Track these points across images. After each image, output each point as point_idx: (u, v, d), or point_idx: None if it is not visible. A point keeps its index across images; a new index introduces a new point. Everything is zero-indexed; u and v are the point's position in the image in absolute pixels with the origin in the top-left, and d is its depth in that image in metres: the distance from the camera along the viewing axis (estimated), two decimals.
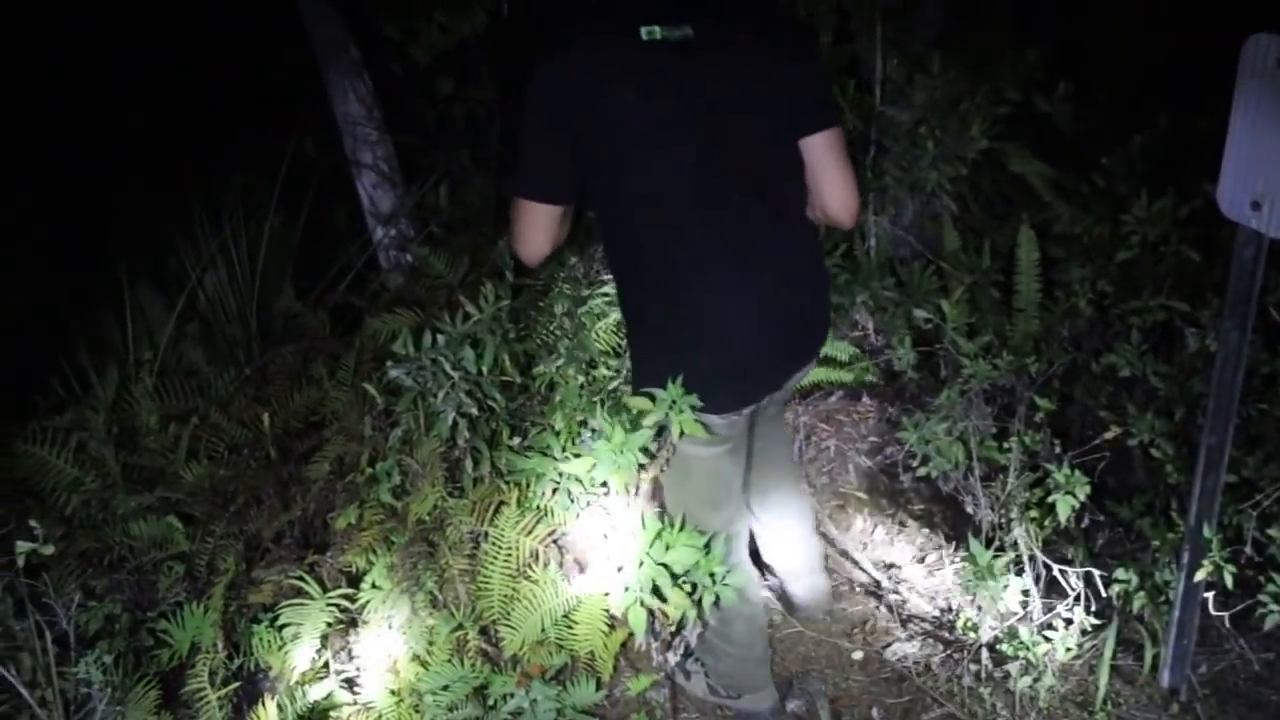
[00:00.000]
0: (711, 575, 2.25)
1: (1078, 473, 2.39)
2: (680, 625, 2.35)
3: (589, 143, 1.88)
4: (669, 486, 2.36)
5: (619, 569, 2.30)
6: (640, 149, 1.88)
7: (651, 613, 2.34)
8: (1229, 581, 2.32)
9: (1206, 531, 2.26)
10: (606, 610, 2.60)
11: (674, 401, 2.03)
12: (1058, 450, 2.48)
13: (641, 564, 2.25)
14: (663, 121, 1.87)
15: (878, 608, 2.84)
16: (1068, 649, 2.49)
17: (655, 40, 1.82)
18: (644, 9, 1.83)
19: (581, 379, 2.75)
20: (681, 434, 2.06)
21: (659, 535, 2.30)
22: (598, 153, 1.89)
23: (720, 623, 2.40)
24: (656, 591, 2.28)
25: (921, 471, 2.49)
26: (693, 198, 1.92)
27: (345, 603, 2.72)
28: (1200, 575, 2.29)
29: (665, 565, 2.25)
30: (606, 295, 2.82)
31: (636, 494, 2.55)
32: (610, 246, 2.10)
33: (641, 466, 2.23)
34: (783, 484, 2.64)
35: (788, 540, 2.71)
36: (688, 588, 2.27)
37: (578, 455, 2.60)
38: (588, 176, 1.93)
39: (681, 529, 2.31)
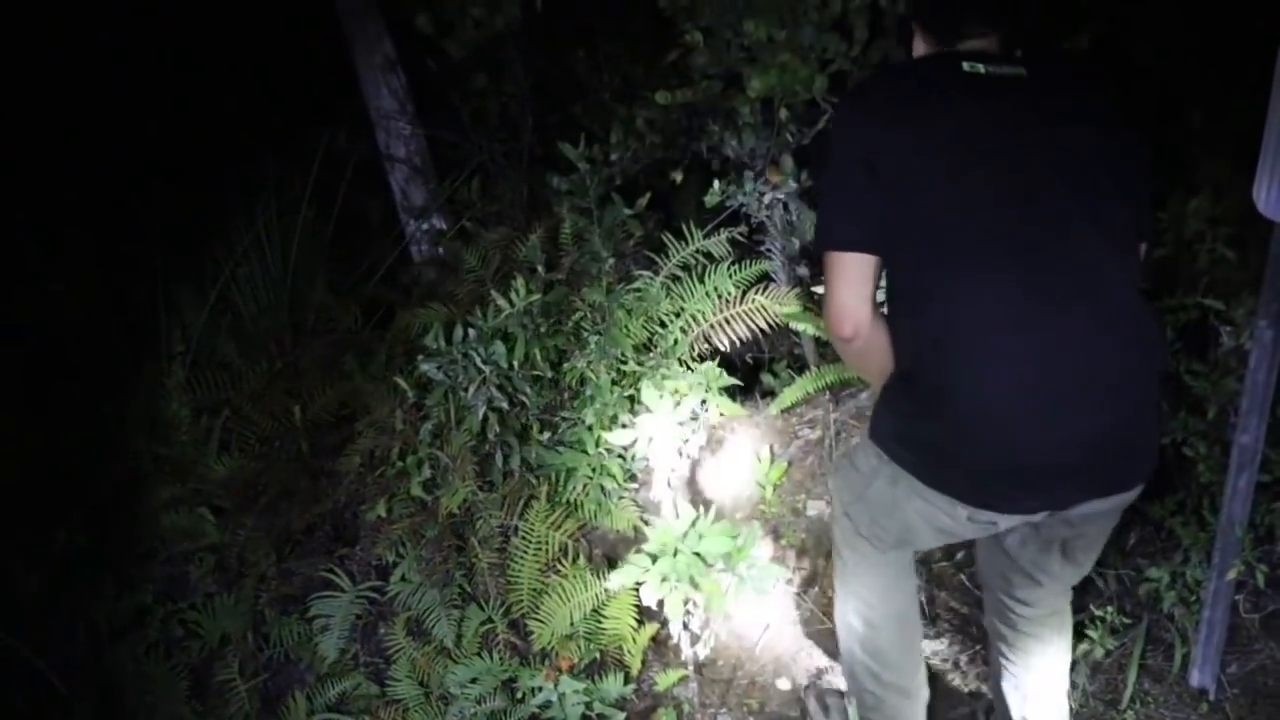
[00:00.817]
0: (743, 563, 2.26)
1: None
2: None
3: (889, 177, 1.63)
4: (848, 560, 2.02)
5: (653, 558, 2.30)
6: (943, 185, 1.62)
7: (683, 603, 2.35)
8: (1260, 581, 2.32)
9: (1238, 531, 2.25)
10: (636, 605, 2.61)
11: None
12: None
13: (677, 553, 2.25)
14: (975, 156, 1.62)
15: None
16: (1096, 647, 2.49)
17: (978, 73, 1.64)
18: (971, 53, 1.67)
19: (611, 375, 2.77)
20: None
21: (692, 523, 2.31)
22: (896, 188, 1.63)
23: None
24: (690, 579, 2.29)
25: None
26: (996, 255, 1.60)
27: (375, 595, 2.74)
28: (1231, 575, 2.29)
29: (699, 554, 2.26)
30: (638, 291, 2.84)
31: (670, 485, 2.57)
32: (892, 289, 1.73)
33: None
34: (1050, 698, 2.22)
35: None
36: (719, 576, 2.29)
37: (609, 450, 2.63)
38: (889, 217, 1.65)
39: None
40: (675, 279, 2.94)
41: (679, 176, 3.10)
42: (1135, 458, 1.70)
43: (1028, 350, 1.57)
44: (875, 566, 2.02)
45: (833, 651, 2.72)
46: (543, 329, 2.72)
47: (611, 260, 2.73)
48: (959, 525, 1.74)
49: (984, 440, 1.61)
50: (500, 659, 2.60)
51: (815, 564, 2.94)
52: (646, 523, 2.64)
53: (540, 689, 2.51)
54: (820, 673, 2.67)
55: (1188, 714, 2.43)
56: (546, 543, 2.66)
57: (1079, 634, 2.52)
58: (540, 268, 2.78)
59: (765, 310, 2.88)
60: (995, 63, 1.66)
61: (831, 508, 2.09)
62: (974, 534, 1.80)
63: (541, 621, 2.60)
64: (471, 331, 2.67)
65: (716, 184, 2.91)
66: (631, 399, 2.76)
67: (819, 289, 2.85)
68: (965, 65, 1.65)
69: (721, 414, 2.83)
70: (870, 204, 1.64)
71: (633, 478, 2.76)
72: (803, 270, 3.03)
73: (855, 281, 1.67)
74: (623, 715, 2.54)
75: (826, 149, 1.74)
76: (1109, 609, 2.50)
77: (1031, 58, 1.70)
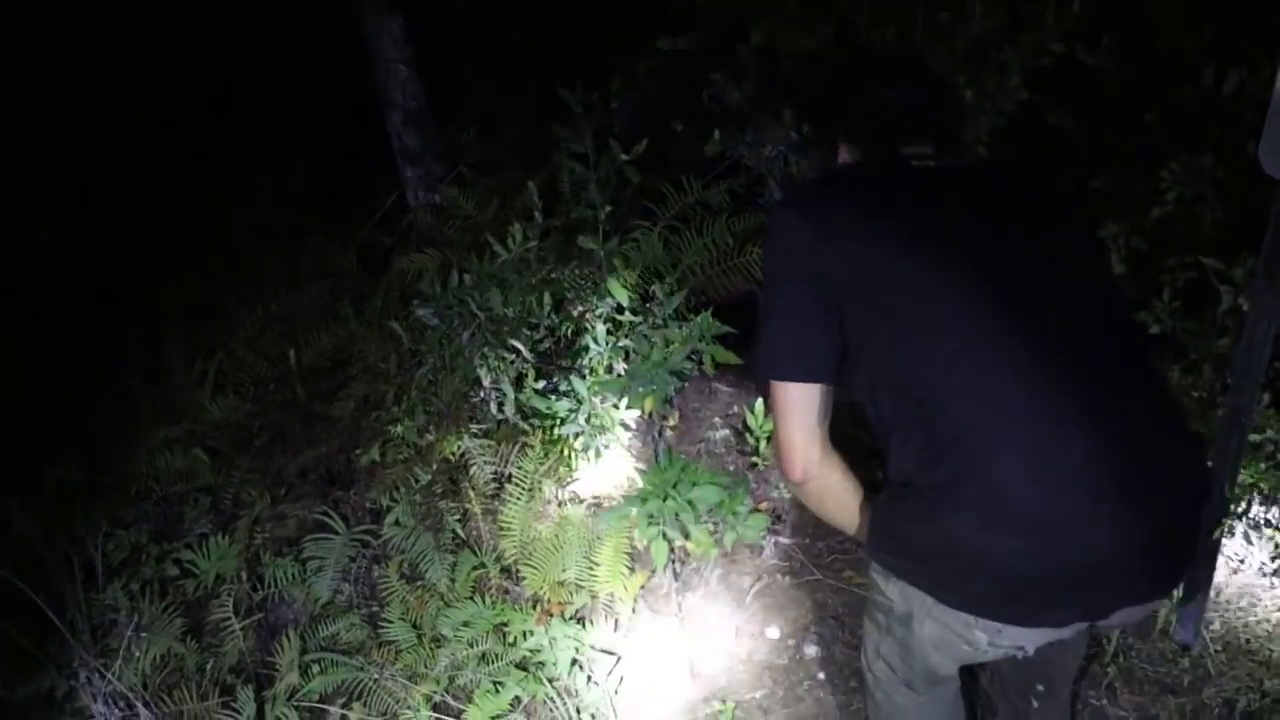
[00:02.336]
0: (734, 514, 2.27)
1: None
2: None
3: (853, 289, 1.47)
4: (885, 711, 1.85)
5: (643, 502, 2.31)
6: (926, 284, 1.45)
7: (673, 551, 2.36)
8: (1246, 539, 2.34)
9: (1226, 491, 2.26)
10: (627, 553, 2.63)
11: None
12: None
13: (666, 498, 2.26)
14: (953, 252, 1.47)
15: None
16: None
17: (927, 167, 1.56)
18: (903, 133, 1.59)
19: (607, 325, 2.76)
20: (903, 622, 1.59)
21: (684, 471, 2.32)
22: (860, 299, 1.47)
23: None
24: (680, 528, 2.29)
25: None
26: (1007, 354, 1.42)
27: (369, 539, 2.76)
28: (1216, 534, 2.31)
29: (690, 502, 2.26)
30: (635, 241, 2.82)
31: (661, 434, 2.57)
32: (882, 393, 1.49)
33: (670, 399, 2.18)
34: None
35: None
36: (710, 525, 2.30)
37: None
38: (849, 332, 1.49)
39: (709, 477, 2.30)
40: (673, 230, 2.92)
41: (679, 126, 3.07)
42: (1177, 560, 1.48)
43: (1057, 451, 1.38)
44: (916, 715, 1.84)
45: (825, 604, 2.75)
46: (539, 276, 2.71)
47: (609, 209, 2.70)
48: (978, 653, 1.52)
49: (1014, 545, 1.38)
50: (492, 603, 2.62)
51: (805, 514, 2.96)
52: (639, 471, 2.65)
53: (531, 633, 2.54)
54: (808, 625, 2.70)
55: (1169, 669, 2.46)
56: (539, 489, 2.67)
57: None
58: (537, 215, 2.76)
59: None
60: (939, 160, 1.59)
61: (863, 654, 1.87)
62: (995, 658, 1.57)
63: (533, 567, 2.62)
64: (467, 277, 2.65)
65: (717, 134, 2.88)
66: (626, 349, 2.76)
67: None
68: (914, 161, 1.56)
69: (716, 363, 2.83)
70: (820, 328, 1.49)
71: (626, 427, 2.76)
72: None
73: (802, 416, 1.53)
74: (612, 660, 2.57)
75: (767, 265, 1.57)
76: None
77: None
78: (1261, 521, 2.47)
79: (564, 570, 2.61)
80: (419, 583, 2.69)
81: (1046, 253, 1.51)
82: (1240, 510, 2.42)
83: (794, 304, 1.51)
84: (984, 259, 1.47)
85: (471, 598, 2.63)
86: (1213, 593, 2.44)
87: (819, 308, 1.48)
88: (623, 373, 2.68)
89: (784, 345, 1.52)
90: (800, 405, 1.52)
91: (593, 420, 2.69)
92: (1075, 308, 1.48)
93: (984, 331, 1.43)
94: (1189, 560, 1.49)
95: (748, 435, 3.07)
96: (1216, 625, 2.53)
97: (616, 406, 2.72)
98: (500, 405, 2.73)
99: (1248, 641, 2.49)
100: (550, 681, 2.49)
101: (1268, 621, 2.52)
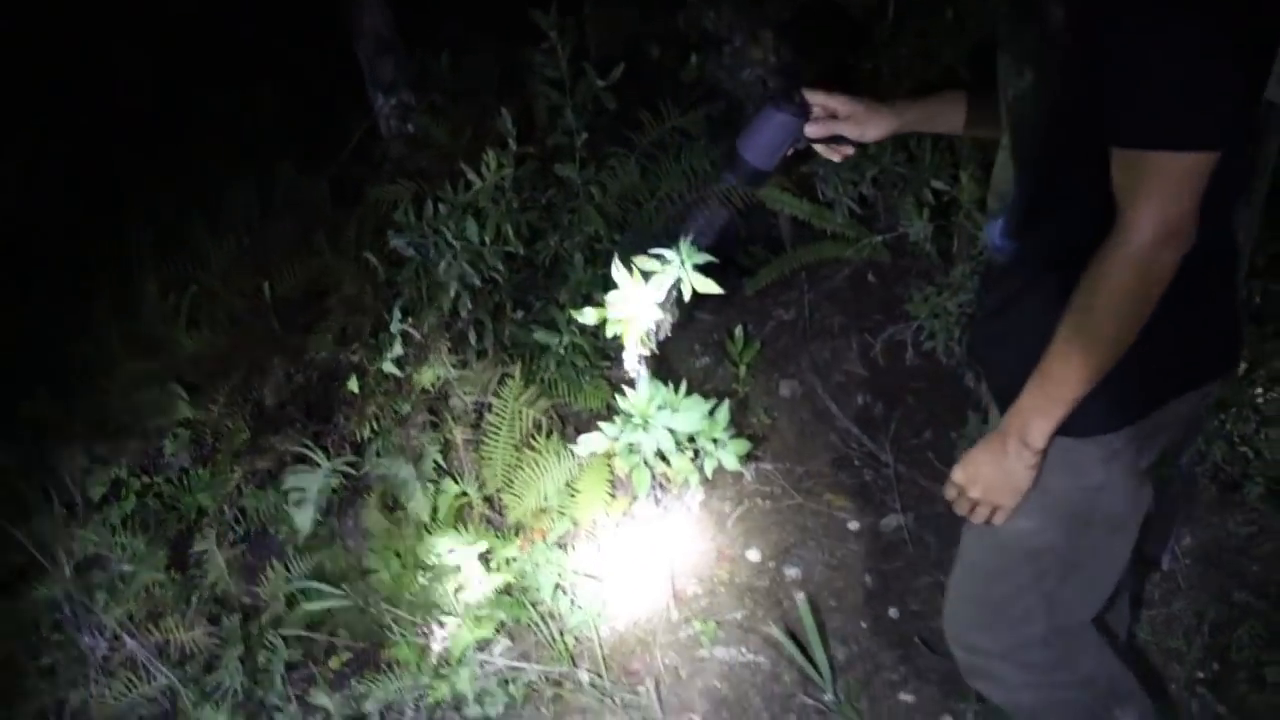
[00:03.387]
0: (715, 440, 2.28)
1: None
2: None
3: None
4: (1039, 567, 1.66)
5: (623, 430, 2.31)
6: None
7: (654, 478, 2.37)
8: (1219, 456, 2.37)
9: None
10: (609, 479, 2.64)
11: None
12: None
13: (646, 426, 2.26)
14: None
15: (875, 481, 2.90)
16: None
17: None
18: None
19: (585, 253, 2.74)
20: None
21: (664, 398, 2.32)
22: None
23: None
24: (661, 455, 2.30)
25: (928, 346, 2.50)
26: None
27: (350, 470, 2.76)
28: (1186, 456, 2.34)
29: (670, 429, 2.27)
30: (612, 168, 2.79)
31: (641, 362, 2.57)
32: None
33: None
34: None
35: None
36: (690, 452, 2.31)
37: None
38: None
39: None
40: (651, 157, 2.89)
41: (656, 51, 3.03)
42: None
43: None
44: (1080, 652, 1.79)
45: (806, 527, 2.79)
46: (515, 205, 2.68)
47: (585, 136, 2.67)
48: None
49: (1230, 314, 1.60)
50: (475, 531, 2.63)
51: (786, 440, 2.99)
52: (619, 398, 2.65)
53: (514, 559, 2.56)
54: (790, 545, 2.74)
55: (1140, 584, 2.51)
56: (520, 419, 2.67)
57: None
58: (512, 142, 2.71)
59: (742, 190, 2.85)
60: None
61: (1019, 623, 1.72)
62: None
63: (516, 495, 2.64)
64: (442, 207, 2.62)
65: (694, 59, 2.84)
66: (605, 277, 2.74)
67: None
68: None
69: (696, 292, 2.82)
70: (1240, 84, 1.29)
71: (605, 356, 2.76)
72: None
73: (1194, 191, 1.28)
74: (595, 584, 2.60)
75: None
76: None
77: None
78: (1235, 439, 2.51)
79: (545, 498, 2.62)
80: (402, 513, 2.70)
81: None
82: (1213, 426, 2.45)
83: (1213, 52, 1.24)
84: None
85: (455, 527, 2.65)
86: (1186, 508, 2.49)
87: (1239, 54, 1.27)
88: (601, 303, 2.67)
89: (1200, 109, 1.25)
90: (1197, 178, 1.27)
91: (572, 350, 2.69)
92: None
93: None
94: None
95: (728, 363, 3.08)
96: (1188, 540, 2.58)
97: (596, 335, 2.71)
98: (479, 335, 2.72)
99: (1218, 556, 2.55)
100: (534, 606, 2.52)
101: (1237, 535, 2.57)
